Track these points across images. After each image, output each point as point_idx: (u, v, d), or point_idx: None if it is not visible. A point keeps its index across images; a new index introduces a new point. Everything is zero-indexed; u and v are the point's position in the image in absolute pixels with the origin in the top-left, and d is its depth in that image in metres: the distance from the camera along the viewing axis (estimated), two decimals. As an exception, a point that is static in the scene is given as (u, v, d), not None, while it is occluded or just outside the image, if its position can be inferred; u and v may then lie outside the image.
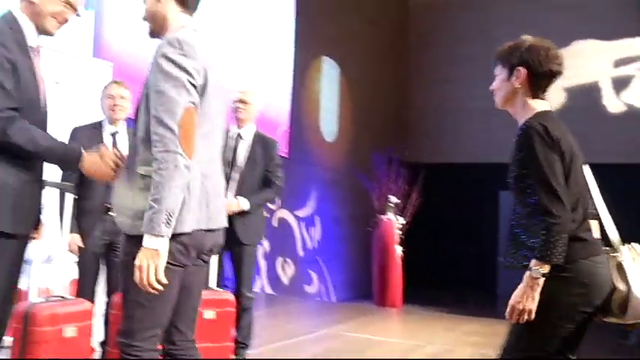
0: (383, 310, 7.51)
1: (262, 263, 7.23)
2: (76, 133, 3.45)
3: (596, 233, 2.05)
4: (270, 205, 7.50)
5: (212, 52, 2.02)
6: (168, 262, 1.83)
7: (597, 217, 2.08)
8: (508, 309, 2.00)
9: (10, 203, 2.03)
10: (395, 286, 7.74)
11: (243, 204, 3.64)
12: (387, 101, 10.45)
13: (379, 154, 8.54)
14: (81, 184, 3.33)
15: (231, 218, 3.59)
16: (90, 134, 3.43)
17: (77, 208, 3.29)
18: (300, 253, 8.36)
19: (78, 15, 2.21)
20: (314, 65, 8.89)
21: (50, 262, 3.70)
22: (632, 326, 2.09)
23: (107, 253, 3.36)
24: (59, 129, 3.56)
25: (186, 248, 1.90)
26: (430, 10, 11.18)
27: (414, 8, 11.41)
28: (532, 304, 1.94)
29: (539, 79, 2.10)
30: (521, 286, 1.97)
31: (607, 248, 2.06)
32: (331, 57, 9.18)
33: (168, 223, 1.78)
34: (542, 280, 1.92)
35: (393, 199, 8.00)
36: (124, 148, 3.48)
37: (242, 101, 3.78)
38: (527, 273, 1.95)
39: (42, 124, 2.15)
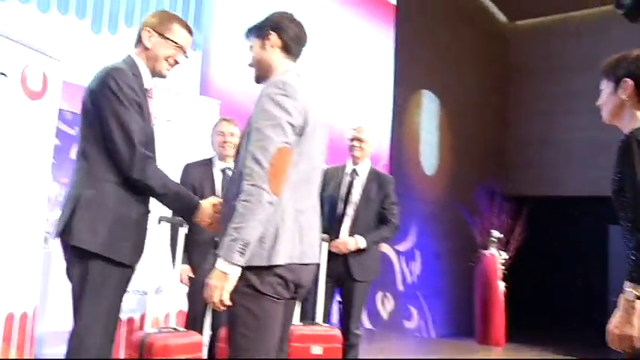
0: (485, 348, 7.28)
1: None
2: (188, 169, 3.61)
3: None
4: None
5: (313, 95, 2.11)
6: (270, 296, 1.93)
7: None
8: (608, 336, 1.91)
9: (130, 235, 2.18)
10: (498, 323, 7.48)
11: (360, 242, 3.66)
12: (487, 133, 10.26)
13: (480, 187, 8.38)
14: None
15: (345, 255, 3.66)
16: (201, 170, 3.59)
17: (188, 241, 3.41)
18: (400, 287, 8.28)
19: (186, 56, 2.38)
20: (414, 99, 8.90)
21: (160, 293, 3.89)
22: None
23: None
24: (170, 165, 3.79)
25: (285, 281, 1.97)
26: (530, 39, 10.93)
27: (514, 38, 11.19)
28: (631, 330, 1.83)
29: None
30: (617, 311, 1.88)
31: None
32: (431, 90, 9.15)
33: (242, 252, 1.85)
34: (638, 303, 1.81)
35: (496, 233, 7.77)
36: None
37: (357, 139, 3.83)
38: (622, 296, 1.85)
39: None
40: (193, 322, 3.42)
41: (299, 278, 2.02)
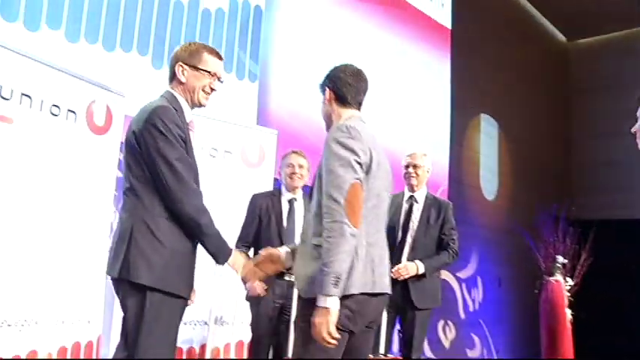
0: (553, 378, 7.01)
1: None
2: (256, 200, 3.65)
3: None
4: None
5: (375, 137, 2.29)
6: (338, 327, 2.00)
7: None
8: None
9: (183, 268, 2.23)
10: (565, 352, 7.21)
11: (421, 267, 3.63)
12: (549, 156, 10.01)
13: (543, 211, 8.15)
14: (256, 249, 3.52)
15: (406, 282, 3.63)
16: (269, 201, 3.63)
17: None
18: (462, 315, 8.11)
19: (221, 81, 2.43)
20: (472, 123, 8.79)
21: (221, 324, 3.92)
22: None
23: (278, 317, 3.48)
24: (228, 196, 3.85)
25: (352, 313, 2.07)
26: (591, 58, 10.66)
27: (574, 57, 10.94)
28: None
29: None
30: None
31: None
32: (489, 114, 9.03)
33: (336, 284, 1.97)
34: None
35: (561, 259, 7.54)
36: (300, 215, 3.66)
37: (413, 165, 3.83)
38: None
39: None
40: (257, 353, 3.43)
41: (366, 310, 2.13)
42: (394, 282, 3.55)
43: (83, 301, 3.41)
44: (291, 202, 3.66)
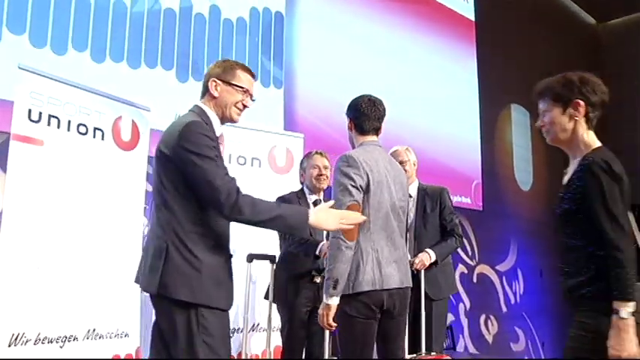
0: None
1: (464, 321, 7.04)
2: (284, 200, 3.63)
3: None
4: (468, 261, 7.34)
5: (382, 158, 2.71)
6: (357, 317, 2.50)
7: None
8: None
9: (223, 281, 2.22)
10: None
11: (432, 255, 3.62)
12: (585, 142, 9.82)
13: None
14: (284, 254, 3.54)
15: (417, 275, 3.60)
16: (295, 202, 3.62)
17: (283, 277, 3.48)
18: (504, 309, 8.00)
19: (253, 100, 2.45)
20: (502, 114, 8.68)
21: (258, 331, 3.95)
22: None
23: (308, 321, 3.48)
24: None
25: (367, 305, 2.52)
26: (623, 39, 10.42)
27: (605, 40, 10.71)
28: (634, 347, 1.82)
29: None
30: (613, 333, 1.85)
31: None
32: (520, 103, 8.90)
33: (334, 287, 2.46)
34: (632, 319, 1.83)
35: (602, 246, 7.36)
36: None
37: (400, 162, 3.79)
38: (614, 317, 1.84)
39: None
40: (289, 353, 3.44)
41: (380, 301, 2.56)
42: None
43: (120, 315, 3.48)
44: (316, 203, 3.65)
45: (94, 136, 3.52)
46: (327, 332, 3.43)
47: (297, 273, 3.48)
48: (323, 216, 2.31)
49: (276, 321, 3.61)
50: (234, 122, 2.47)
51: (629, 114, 10.11)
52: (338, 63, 6.44)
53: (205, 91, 2.41)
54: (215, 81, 2.37)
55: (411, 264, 3.57)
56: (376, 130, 2.77)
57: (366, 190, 2.56)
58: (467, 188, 7.56)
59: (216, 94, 2.37)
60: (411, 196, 3.82)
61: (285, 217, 2.26)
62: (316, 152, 3.76)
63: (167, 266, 2.13)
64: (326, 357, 3.31)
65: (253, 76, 2.46)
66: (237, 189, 2.22)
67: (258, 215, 2.21)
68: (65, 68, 4.24)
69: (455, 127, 7.50)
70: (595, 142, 2.18)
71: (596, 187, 2.00)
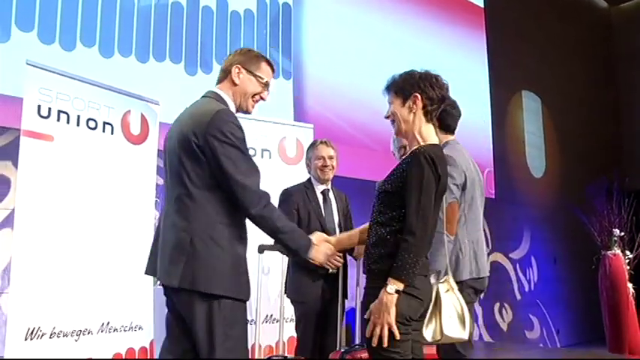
0: (619, 357, 6.79)
1: (479, 310, 7.01)
2: (290, 195, 3.56)
3: None
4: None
5: (466, 158, 2.93)
6: (467, 301, 2.48)
7: None
8: (370, 325, 2.11)
9: (244, 272, 2.20)
10: (631, 328, 6.98)
11: None
12: (597, 128, 9.72)
13: (594, 185, 7.92)
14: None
15: None
16: (303, 195, 3.57)
17: (295, 269, 3.46)
18: (518, 296, 7.96)
19: (268, 92, 2.41)
20: (513, 101, 8.62)
21: (271, 323, 3.95)
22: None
23: (323, 312, 3.46)
24: (272, 193, 3.87)
25: (475, 290, 2.82)
26: (635, 22, 10.29)
27: (617, 23, 10.58)
28: (390, 318, 2.06)
29: None
30: (376, 302, 2.10)
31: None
32: (531, 90, 8.83)
33: (437, 278, 2.41)
34: (396, 297, 2.05)
35: (617, 231, 7.30)
36: (334, 205, 3.65)
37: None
38: (382, 290, 2.07)
39: None
40: (303, 347, 3.43)
41: (479, 288, 2.88)
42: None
43: (133, 308, 3.50)
44: (324, 193, 3.62)
45: (104, 131, 3.52)
46: (339, 324, 3.42)
47: (311, 265, 3.46)
48: (317, 251, 2.38)
49: (289, 312, 3.60)
50: (248, 113, 2.43)
51: (640, 97, 10.02)
52: (346, 53, 6.42)
53: (225, 77, 2.36)
54: (239, 68, 2.33)
55: None
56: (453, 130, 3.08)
57: (463, 188, 2.81)
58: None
59: (238, 81, 2.33)
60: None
61: (299, 234, 2.33)
62: (321, 142, 3.69)
63: (192, 258, 2.09)
64: (339, 348, 3.30)
65: (274, 71, 2.44)
66: (267, 195, 2.22)
67: (282, 220, 2.24)
68: (74, 64, 4.25)
69: (466, 116, 7.41)
70: (431, 137, 2.26)
71: (417, 177, 2.11)
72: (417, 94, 2.25)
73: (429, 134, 2.26)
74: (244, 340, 2.21)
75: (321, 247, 2.39)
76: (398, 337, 2.06)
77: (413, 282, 2.08)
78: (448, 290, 2.32)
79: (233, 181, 2.12)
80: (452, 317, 2.27)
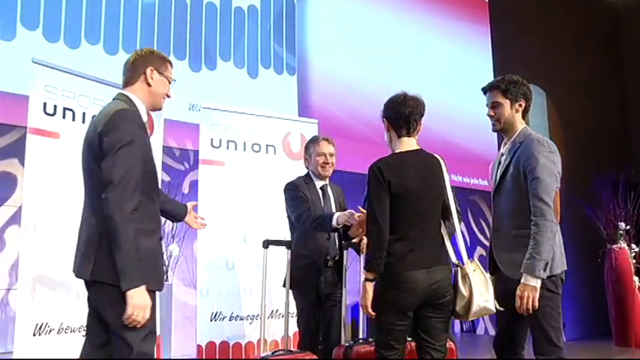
0: (625, 350, 6.76)
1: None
2: (298, 186, 3.56)
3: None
4: (486, 243, 7.30)
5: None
6: (556, 292, 2.67)
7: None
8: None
9: (156, 264, 2.29)
10: (636, 322, 6.97)
11: None
12: (603, 122, 9.68)
13: (600, 178, 7.90)
14: (300, 239, 3.54)
15: None
16: (308, 187, 3.61)
17: (298, 263, 3.46)
18: (524, 290, 7.95)
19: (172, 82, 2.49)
20: (518, 95, 8.59)
21: (277, 318, 3.97)
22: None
23: (325, 305, 3.48)
24: (277, 188, 3.88)
25: (562, 282, 2.75)
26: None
27: (623, 15, 10.53)
28: (366, 301, 2.55)
29: None
30: (362, 289, 2.59)
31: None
32: (536, 84, 8.81)
33: (544, 269, 2.59)
34: (368, 284, 2.54)
35: (623, 225, 7.29)
36: (332, 201, 3.67)
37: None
38: (363, 281, 2.59)
39: (158, 190, 2.45)
40: (305, 342, 3.44)
41: (564, 279, 2.80)
42: None
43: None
44: (323, 188, 3.64)
45: (109, 128, 3.54)
46: (343, 317, 3.44)
47: (313, 258, 3.48)
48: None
49: (294, 307, 3.62)
50: (159, 110, 2.58)
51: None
52: (350, 48, 6.42)
53: (136, 78, 2.40)
54: (152, 70, 2.40)
55: None
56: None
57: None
58: (483, 170, 7.51)
59: (152, 82, 2.40)
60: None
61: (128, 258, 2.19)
62: (323, 138, 3.70)
63: (101, 253, 2.17)
64: (343, 342, 3.31)
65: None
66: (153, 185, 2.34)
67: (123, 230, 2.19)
68: (79, 61, 4.28)
69: (470, 109, 7.45)
70: (396, 148, 2.68)
71: (368, 189, 2.57)
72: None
73: (397, 145, 2.72)
74: (153, 326, 2.27)
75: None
76: (373, 315, 2.54)
77: (379, 272, 2.50)
78: (475, 270, 2.62)
79: (111, 182, 2.16)
80: (482, 294, 2.59)
